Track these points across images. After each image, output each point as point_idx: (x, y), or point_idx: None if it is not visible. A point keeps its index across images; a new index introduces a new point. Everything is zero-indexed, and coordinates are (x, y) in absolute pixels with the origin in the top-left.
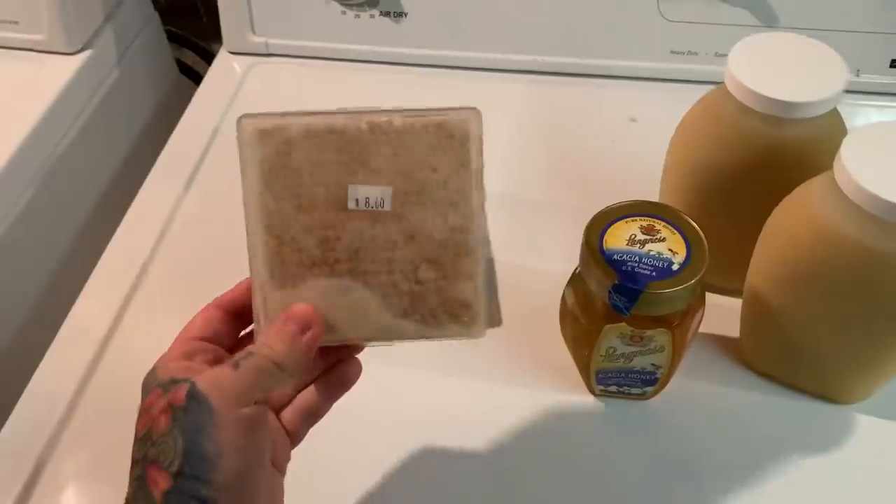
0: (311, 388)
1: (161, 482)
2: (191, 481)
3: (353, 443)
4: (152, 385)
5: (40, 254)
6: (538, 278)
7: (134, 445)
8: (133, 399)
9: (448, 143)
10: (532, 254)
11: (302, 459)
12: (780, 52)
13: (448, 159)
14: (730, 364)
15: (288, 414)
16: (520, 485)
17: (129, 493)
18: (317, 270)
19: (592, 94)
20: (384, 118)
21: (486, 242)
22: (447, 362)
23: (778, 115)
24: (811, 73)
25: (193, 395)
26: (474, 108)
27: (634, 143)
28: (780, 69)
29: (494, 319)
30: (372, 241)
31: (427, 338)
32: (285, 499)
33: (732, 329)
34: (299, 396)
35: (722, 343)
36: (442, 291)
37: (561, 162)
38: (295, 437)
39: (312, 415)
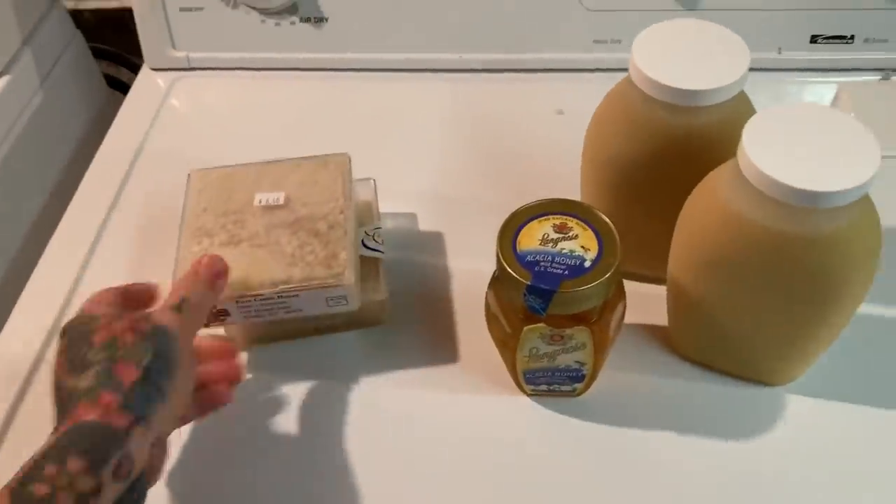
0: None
1: (130, 374)
2: (156, 374)
3: (293, 453)
4: (95, 317)
5: None
6: (467, 280)
7: (87, 350)
8: None
9: (326, 168)
10: (460, 254)
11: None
12: (683, 39)
13: (326, 176)
14: (660, 353)
15: None
16: (456, 487)
17: (88, 383)
18: (226, 248)
19: (519, 88)
20: (286, 161)
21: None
22: (378, 370)
23: (682, 103)
24: (714, 59)
25: (158, 328)
26: (345, 153)
27: (562, 135)
28: (683, 57)
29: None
30: (267, 225)
31: (310, 281)
32: None
33: (662, 318)
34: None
35: (652, 332)
36: (318, 252)
37: (489, 159)
38: None
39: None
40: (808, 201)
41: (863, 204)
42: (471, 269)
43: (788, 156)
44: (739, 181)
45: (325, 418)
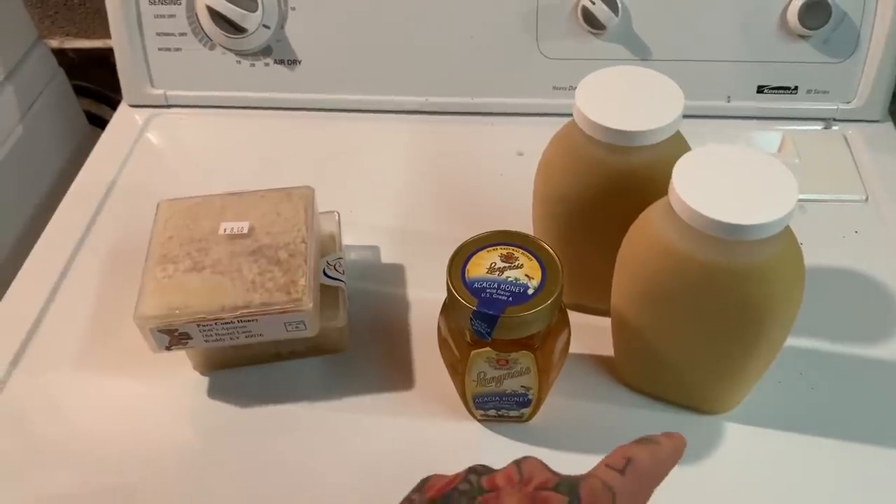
0: None
1: None
2: None
3: (251, 477)
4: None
5: None
6: (425, 309)
7: None
8: None
9: (290, 200)
10: (420, 285)
11: None
12: (623, 85)
13: (289, 208)
14: (606, 382)
15: None
16: None
17: None
18: (189, 275)
19: (481, 131)
20: (252, 193)
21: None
22: (336, 395)
23: (620, 143)
24: (651, 102)
25: None
26: (308, 186)
27: (521, 174)
28: (622, 101)
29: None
30: (230, 252)
31: (269, 306)
32: None
33: (608, 348)
34: None
35: (598, 362)
36: (277, 278)
37: (452, 197)
38: None
39: None
40: (732, 234)
41: (785, 237)
42: (429, 298)
43: (714, 192)
44: (669, 216)
45: (283, 442)
